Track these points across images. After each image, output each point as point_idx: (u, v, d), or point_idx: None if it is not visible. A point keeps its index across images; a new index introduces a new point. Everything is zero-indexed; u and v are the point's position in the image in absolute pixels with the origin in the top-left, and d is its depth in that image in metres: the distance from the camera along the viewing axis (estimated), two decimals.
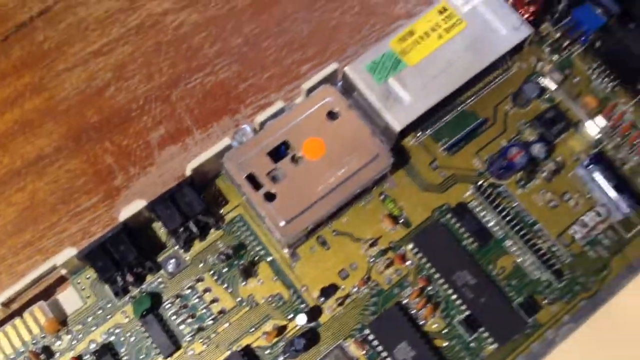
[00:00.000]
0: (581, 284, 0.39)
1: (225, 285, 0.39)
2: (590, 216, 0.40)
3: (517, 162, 0.39)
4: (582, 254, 0.40)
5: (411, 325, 0.38)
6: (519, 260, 0.40)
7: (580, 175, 0.41)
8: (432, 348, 0.37)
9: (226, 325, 0.38)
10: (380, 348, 0.37)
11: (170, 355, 0.37)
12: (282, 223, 0.37)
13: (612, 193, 0.39)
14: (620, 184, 0.40)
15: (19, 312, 0.38)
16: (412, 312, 0.38)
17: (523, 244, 0.40)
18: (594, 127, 0.42)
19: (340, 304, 0.39)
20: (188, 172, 0.38)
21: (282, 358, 0.37)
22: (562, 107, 0.42)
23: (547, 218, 0.40)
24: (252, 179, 0.38)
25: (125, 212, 0.37)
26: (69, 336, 0.37)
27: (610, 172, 0.40)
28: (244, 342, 0.38)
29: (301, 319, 0.37)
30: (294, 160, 0.39)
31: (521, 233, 0.40)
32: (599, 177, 0.40)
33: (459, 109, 0.42)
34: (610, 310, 0.39)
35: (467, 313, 0.38)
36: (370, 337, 0.37)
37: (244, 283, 0.39)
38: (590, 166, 0.40)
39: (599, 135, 0.42)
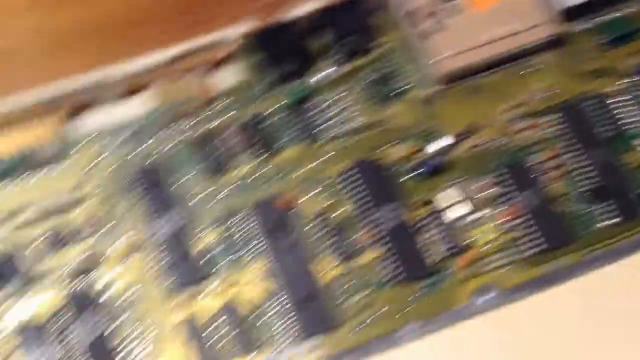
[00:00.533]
0: None
1: (368, 105, 0.41)
2: None
3: None
4: None
5: (539, 180, 0.39)
6: None
7: None
8: (556, 207, 0.38)
9: (358, 138, 0.40)
10: (512, 188, 0.38)
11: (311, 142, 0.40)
12: (437, 58, 0.40)
13: None
14: None
15: None
16: (538, 174, 0.40)
17: None
18: None
19: (474, 147, 0.40)
20: None
21: (408, 176, 0.39)
22: None
23: None
24: (413, 15, 0.41)
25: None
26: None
27: None
28: (376, 157, 0.40)
29: (434, 146, 0.39)
30: (460, 5, 0.41)
31: None
32: None
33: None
34: None
35: (598, 184, 0.39)
36: (503, 177, 0.39)
37: (386, 107, 0.41)
38: None
39: None
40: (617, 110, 0.41)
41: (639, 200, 0.38)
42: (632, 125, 0.41)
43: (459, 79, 0.42)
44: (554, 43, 0.42)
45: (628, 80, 0.41)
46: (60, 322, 0.35)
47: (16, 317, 0.35)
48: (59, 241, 0.36)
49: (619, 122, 0.41)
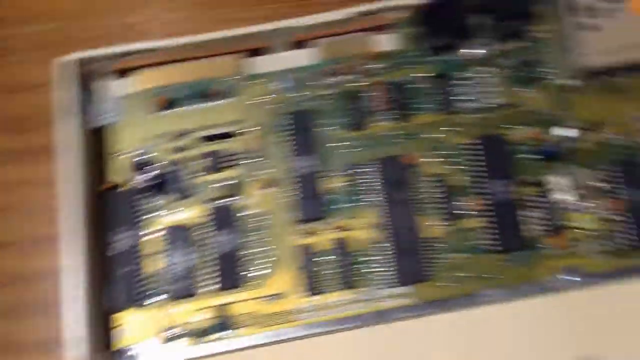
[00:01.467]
0: None
1: (505, 86, 0.44)
2: None
3: None
4: None
5: None
6: None
7: None
8: None
9: (490, 114, 0.44)
10: (618, 184, 0.41)
11: (447, 112, 0.44)
12: (585, 52, 0.42)
13: None
14: None
15: None
16: None
17: None
18: None
19: (594, 142, 0.43)
20: None
21: (526, 156, 0.42)
22: None
23: None
24: (573, 7, 0.43)
25: None
26: None
27: None
28: (501, 133, 0.43)
29: (559, 133, 0.42)
30: (620, 6, 0.43)
31: None
32: None
33: None
34: None
35: None
36: (613, 173, 0.41)
37: (523, 90, 0.44)
38: None
39: None
40: None
41: None
42: None
43: (601, 75, 0.43)
44: None
45: None
46: (202, 232, 0.42)
47: (169, 221, 0.42)
48: (214, 165, 0.44)
49: None
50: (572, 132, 0.42)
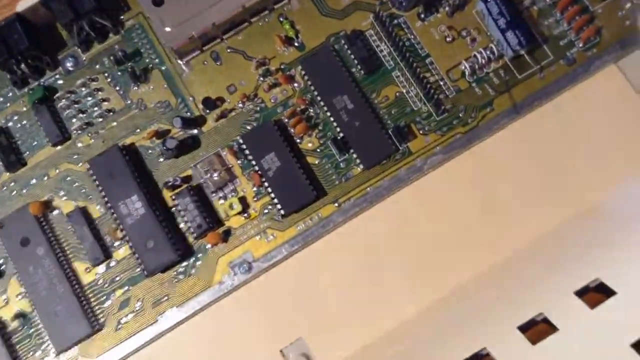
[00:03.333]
0: (460, 119, 0.39)
1: (118, 87, 0.41)
2: (483, 52, 0.39)
3: None
4: (468, 90, 0.40)
5: (284, 140, 0.39)
6: (403, 90, 0.40)
7: (480, 9, 0.40)
8: (301, 163, 0.39)
9: (114, 123, 0.41)
10: (250, 157, 0.39)
11: (59, 142, 0.40)
12: (168, 29, 0.39)
13: (504, 28, 0.38)
14: (516, 21, 0.39)
15: None
16: (291, 130, 0.40)
17: (411, 75, 0.40)
18: None
19: (223, 117, 0.41)
20: None
21: (162, 159, 0.40)
22: None
23: (440, 52, 0.40)
24: None
25: (23, 4, 0.39)
26: None
27: (509, 8, 0.39)
28: (128, 141, 0.40)
29: (177, 122, 0.39)
30: None
31: (412, 64, 0.40)
32: (495, 10, 0.39)
33: None
34: (483, 148, 0.39)
35: (340, 135, 0.39)
36: (243, 146, 0.39)
37: (135, 87, 0.41)
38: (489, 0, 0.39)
39: None
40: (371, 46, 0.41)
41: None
42: (388, 58, 0.40)
43: (197, 49, 0.41)
44: None
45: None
46: None
47: None
48: None
49: (375, 57, 0.40)
50: (194, 115, 0.40)
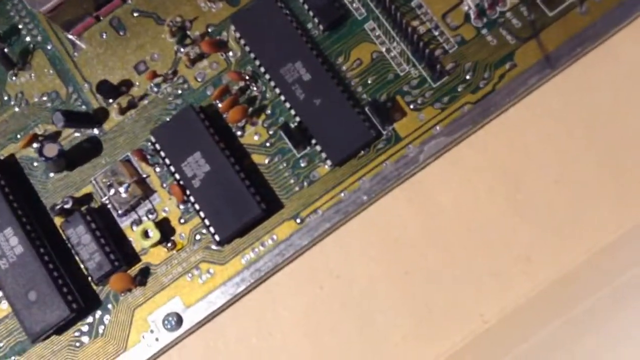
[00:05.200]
0: (468, 83, 0.27)
1: None
2: None
3: None
4: (476, 40, 0.27)
5: (214, 132, 0.27)
6: (382, 49, 0.28)
7: None
8: (242, 165, 0.27)
9: None
10: (167, 161, 0.27)
11: None
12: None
13: None
14: None
15: None
16: (225, 117, 0.28)
17: (392, 26, 0.28)
18: None
19: (131, 107, 0.29)
20: None
21: (52, 173, 0.29)
22: None
23: None
24: None
25: None
26: None
27: None
28: (5, 152, 0.29)
29: (58, 119, 0.27)
30: None
31: (392, 10, 0.28)
32: None
33: None
34: (505, 123, 0.27)
35: (296, 120, 0.28)
36: (157, 146, 0.28)
37: (13, 77, 0.30)
38: None
39: None
40: None
41: None
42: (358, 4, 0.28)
43: (88, 15, 0.29)
44: None
45: None
46: None
47: None
48: None
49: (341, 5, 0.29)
50: (88, 108, 0.29)
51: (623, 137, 0.26)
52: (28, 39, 0.30)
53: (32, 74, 0.29)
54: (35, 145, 0.28)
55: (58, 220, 0.28)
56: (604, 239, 0.25)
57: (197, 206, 0.27)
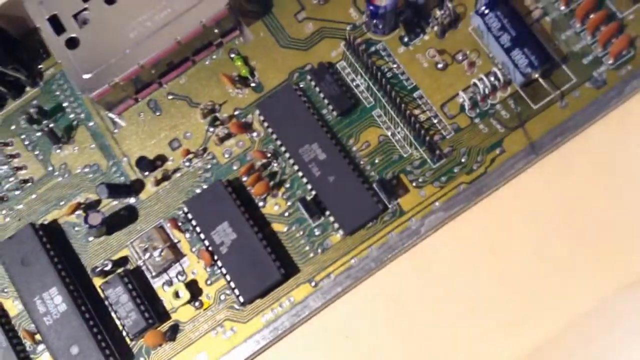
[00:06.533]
0: (463, 165, 0.31)
1: (37, 152, 0.33)
2: (485, 79, 0.31)
3: (381, 4, 0.30)
4: (470, 127, 0.31)
5: (240, 205, 0.31)
6: (388, 133, 0.32)
7: (477, 25, 0.32)
8: (264, 233, 0.31)
9: (33, 196, 0.33)
10: (198, 229, 0.31)
11: None
12: (86, 76, 0.31)
13: (509, 46, 0.30)
14: (524, 36, 0.30)
15: None
16: (250, 191, 0.32)
17: (397, 114, 0.32)
18: None
19: (165, 179, 0.32)
20: None
21: (92, 238, 0.32)
22: None
23: (431, 82, 0.32)
24: (55, 22, 0.32)
25: None
26: None
27: (513, 21, 0.31)
28: (50, 217, 0.32)
29: (102, 191, 0.31)
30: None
31: (396, 100, 0.32)
32: (495, 26, 0.31)
33: None
34: (495, 201, 0.31)
35: (312, 193, 0.31)
36: (189, 216, 0.31)
37: (57, 150, 0.33)
38: (488, 12, 0.31)
39: None
40: None
41: None
42: (367, 94, 0.32)
43: (129, 98, 0.33)
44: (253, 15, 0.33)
45: None
46: None
47: None
48: None
49: (350, 94, 0.33)
50: (127, 180, 0.32)
51: (596, 217, 0.30)
52: (72, 116, 0.34)
53: (76, 148, 0.33)
54: (77, 212, 0.32)
55: (97, 281, 0.31)
56: (580, 307, 0.29)
57: (223, 270, 0.30)
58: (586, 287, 0.29)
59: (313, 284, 0.30)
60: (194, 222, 0.31)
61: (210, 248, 0.30)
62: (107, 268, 0.31)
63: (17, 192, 0.33)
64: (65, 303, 0.30)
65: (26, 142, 0.33)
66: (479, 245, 0.30)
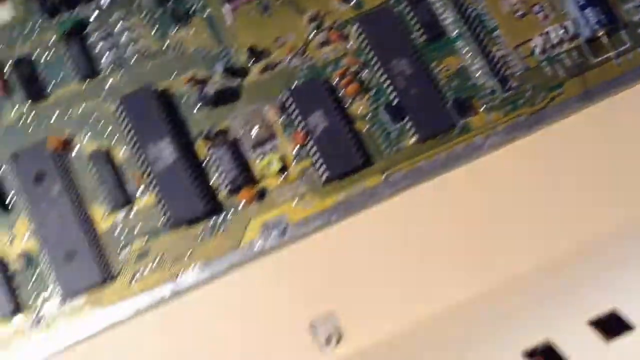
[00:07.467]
0: (527, 99, 0.36)
1: (156, 27, 0.37)
2: (556, 31, 0.36)
3: None
4: (537, 68, 0.36)
5: (333, 100, 0.36)
6: (467, 62, 0.37)
7: None
8: (349, 128, 0.36)
9: (149, 65, 0.37)
10: (296, 113, 0.35)
11: (87, 78, 0.36)
12: None
13: (583, 4, 0.36)
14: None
15: None
16: (341, 92, 0.37)
17: (476, 47, 0.37)
18: None
19: (268, 69, 0.37)
20: None
21: (197, 109, 0.36)
22: None
23: (510, 26, 0.37)
24: None
25: None
26: None
27: None
28: (163, 84, 0.37)
29: (219, 66, 0.36)
30: None
31: (478, 36, 0.37)
32: None
33: None
34: (549, 133, 0.36)
35: (395, 101, 0.36)
36: (290, 100, 0.36)
37: (175, 30, 0.38)
38: None
39: None
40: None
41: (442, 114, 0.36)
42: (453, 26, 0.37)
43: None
44: None
45: None
46: None
47: None
48: None
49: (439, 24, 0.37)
50: (235, 66, 0.37)
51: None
52: (190, 3, 0.38)
53: (191, 31, 0.37)
54: (191, 85, 0.36)
55: (200, 144, 0.35)
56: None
57: (315, 148, 0.35)
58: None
59: (384, 175, 0.35)
60: (293, 107, 0.35)
61: (305, 129, 0.35)
62: (212, 134, 0.35)
63: (133, 59, 0.37)
64: (174, 153, 0.34)
65: (147, 18, 0.37)
66: (532, 168, 0.35)
